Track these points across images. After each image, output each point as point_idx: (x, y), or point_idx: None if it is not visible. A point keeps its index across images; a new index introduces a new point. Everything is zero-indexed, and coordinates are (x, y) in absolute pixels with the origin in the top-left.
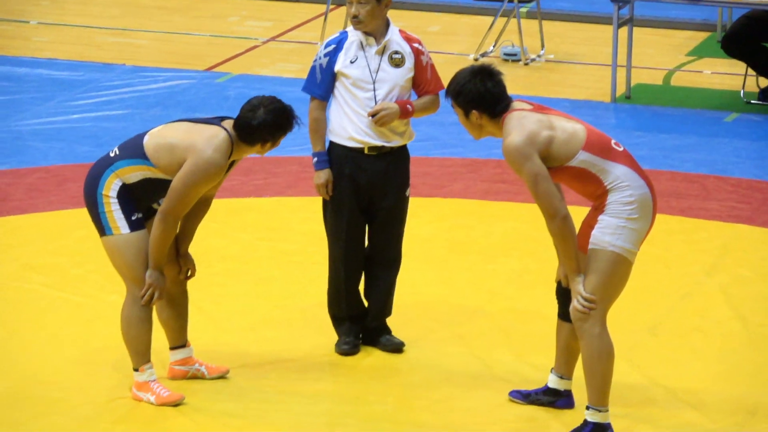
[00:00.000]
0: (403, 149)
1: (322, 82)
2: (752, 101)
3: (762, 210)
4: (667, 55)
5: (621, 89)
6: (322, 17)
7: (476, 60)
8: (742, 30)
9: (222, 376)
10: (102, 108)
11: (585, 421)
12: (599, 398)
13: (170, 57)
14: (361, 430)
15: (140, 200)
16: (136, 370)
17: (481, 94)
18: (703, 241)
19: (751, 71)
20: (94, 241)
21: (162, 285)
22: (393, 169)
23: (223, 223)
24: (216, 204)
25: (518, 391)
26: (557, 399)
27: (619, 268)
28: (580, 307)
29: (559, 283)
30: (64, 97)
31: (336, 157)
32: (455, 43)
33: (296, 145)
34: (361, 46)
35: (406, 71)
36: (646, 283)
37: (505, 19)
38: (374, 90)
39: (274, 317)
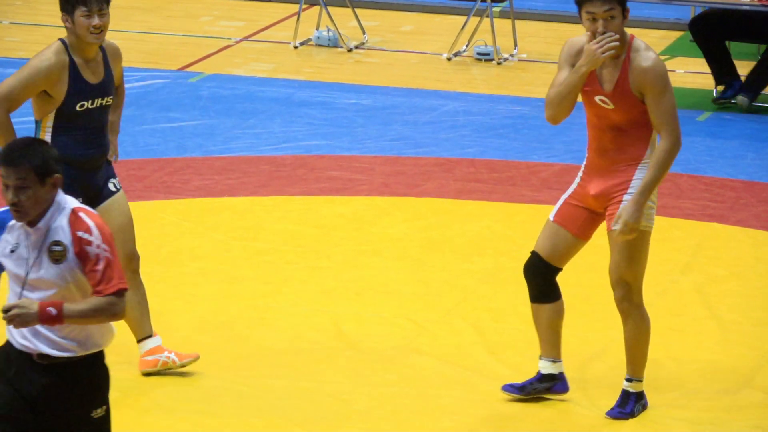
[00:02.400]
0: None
1: None
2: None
3: (735, 208)
4: None
5: None
6: (295, 17)
7: (449, 60)
8: (713, 18)
9: (193, 361)
10: None
11: (626, 392)
12: (640, 370)
13: (143, 57)
14: (336, 428)
15: None
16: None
17: None
18: (677, 239)
19: None
20: None
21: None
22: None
23: (196, 222)
24: (189, 203)
25: (511, 385)
26: (554, 383)
27: (648, 245)
28: (629, 232)
29: (533, 263)
30: None
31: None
32: (428, 43)
33: (269, 145)
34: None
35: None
36: None
37: (478, 18)
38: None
39: (247, 316)
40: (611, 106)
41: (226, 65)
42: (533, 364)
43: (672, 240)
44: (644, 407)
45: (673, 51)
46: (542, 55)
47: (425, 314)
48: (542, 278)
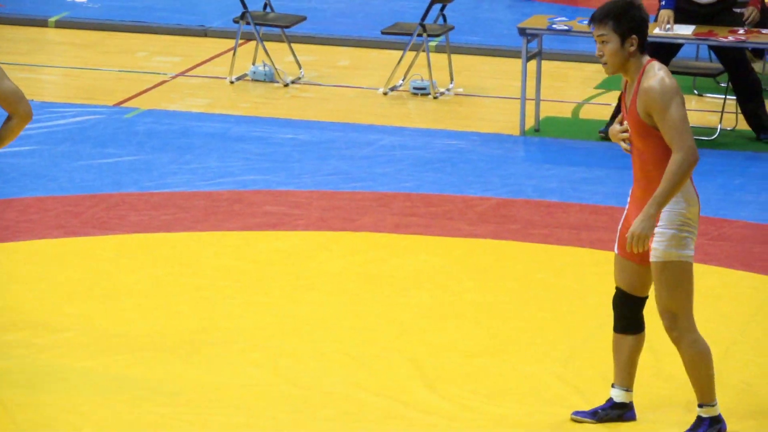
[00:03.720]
0: None
1: None
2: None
3: None
4: (576, 88)
5: (530, 122)
6: (231, 52)
7: (385, 94)
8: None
9: None
10: (10, 144)
11: (700, 417)
12: (708, 395)
13: (79, 92)
14: None
15: None
16: None
17: (643, 20)
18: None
19: None
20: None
21: None
22: None
23: (132, 258)
24: (125, 239)
25: (581, 412)
26: (625, 412)
27: (689, 274)
28: (636, 243)
29: (618, 295)
30: None
31: None
32: (365, 77)
33: (205, 180)
34: None
35: None
36: (560, 315)
37: (415, 52)
38: None
39: (184, 352)
40: (631, 131)
41: (162, 101)
42: (470, 399)
43: (609, 273)
44: (720, 431)
45: (608, 84)
46: (478, 89)
47: (363, 349)
48: (628, 310)
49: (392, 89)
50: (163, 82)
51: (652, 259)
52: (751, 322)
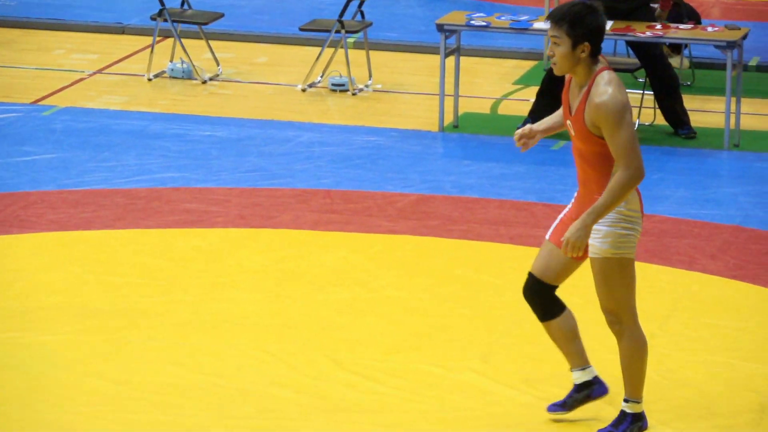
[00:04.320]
0: None
1: None
2: None
3: None
4: (495, 84)
5: (449, 118)
6: (149, 49)
7: (304, 91)
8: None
9: None
10: None
11: (623, 412)
12: (637, 391)
13: None
14: None
15: None
16: None
17: (600, 28)
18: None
19: None
20: None
21: None
22: None
23: (51, 256)
24: (43, 237)
25: (554, 404)
26: (591, 389)
27: (630, 270)
28: (570, 250)
29: (527, 285)
30: None
31: None
32: (283, 74)
33: (123, 178)
34: None
35: None
36: (479, 310)
37: (333, 49)
38: None
39: (103, 351)
40: (573, 132)
41: (79, 98)
42: (391, 395)
43: (528, 269)
44: (641, 429)
45: (527, 80)
46: (397, 85)
47: (282, 346)
48: (540, 297)
49: (311, 86)
50: (81, 79)
51: (590, 255)
52: (670, 316)
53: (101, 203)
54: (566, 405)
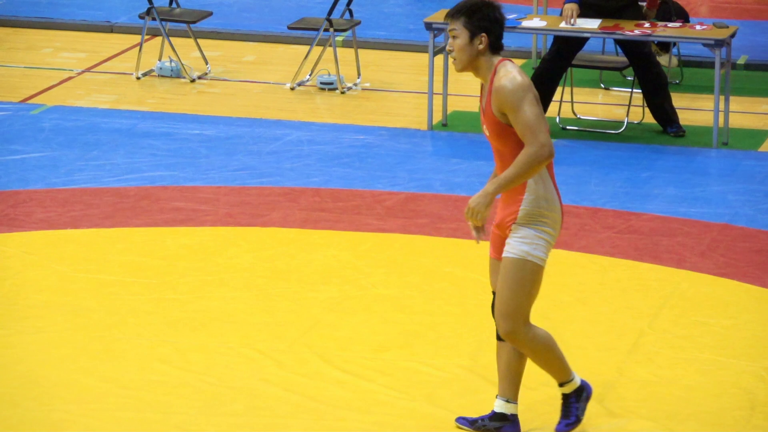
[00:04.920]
0: None
1: None
2: (568, 127)
3: (579, 235)
4: None
5: (437, 117)
6: (137, 48)
7: (292, 89)
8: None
9: None
10: None
11: (565, 395)
12: (564, 373)
13: None
14: None
15: None
16: None
17: (497, 20)
18: None
19: (566, 97)
20: None
21: None
22: None
23: (40, 254)
24: (32, 236)
25: (464, 418)
26: (504, 424)
27: (537, 276)
28: (470, 215)
29: (492, 304)
30: None
31: None
32: (271, 73)
33: (112, 176)
34: None
35: None
36: (468, 308)
37: (321, 47)
38: None
39: (92, 348)
40: (488, 133)
41: (68, 97)
42: (380, 393)
43: None
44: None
45: None
46: (385, 84)
47: (271, 344)
48: None
49: (299, 84)
50: (69, 78)
51: (504, 254)
52: (659, 314)
53: (90, 202)
54: (475, 424)
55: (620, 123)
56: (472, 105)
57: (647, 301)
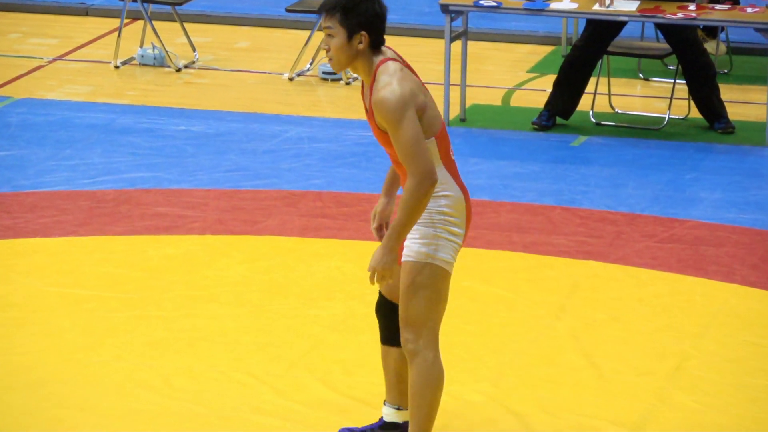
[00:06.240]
0: None
1: None
2: (603, 122)
3: (615, 245)
4: (506, 72)
5: (455, 111)
6: (116, 33)
7: (291, 80)
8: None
9: None
10: None
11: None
12: (423, 429)
13: None
14: None
15: None
16: None
17: (377, 15)
18: (550, 279)
19: (601, 88)
20: None
21: None
22: None
23: (6, 266)
24: None
25: (350, 429)
26: None
27: (442, 283)
28: (379, 280)
29: (379, 302)
30: None
31: None
32: (267, 61)
33: (87, 178)
34: None
35: None
36: (487, 327)
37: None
38: None
39: (65, 372)
40: (375, 136)
41: (37, 88)
42: None
43: (544, 280)
44: None
45: (542, 68)
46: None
47: (267, 368)
48: (390, 319)
49: (299, 74)
50: (39, 67)
51: (402, 258)
52: (705, 334)
53: (62, 207)
54: None
55: (661, 118)
56: (494, 97)
57: (691, 319)
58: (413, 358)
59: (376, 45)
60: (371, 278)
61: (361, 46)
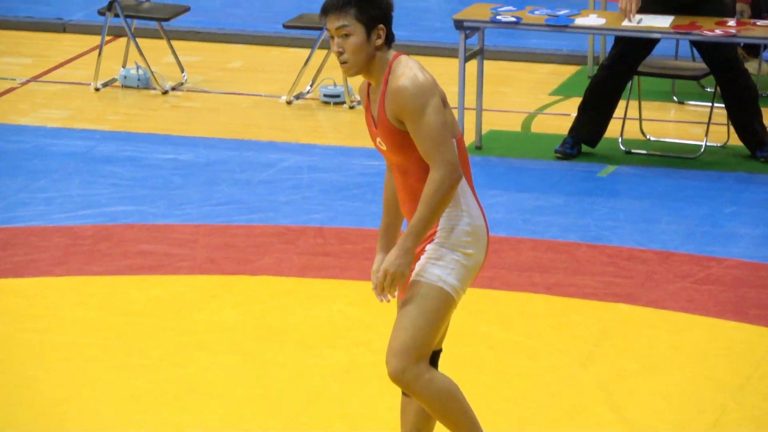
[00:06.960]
0: None
1: None
2: (633, 150)
3: (646, 286)
4: (526, 94)
5: (470, 137)
6: (96, 51)
7: (289, 103)
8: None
9: None
10: None
11: None
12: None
13: None
14: None
15: None
16: None
17: (391, 6)
18: (575, 325)
19: (632, 113)
20: None
21: None
22: None
23: None
24: None
25: None
26: None
27: (447, 309)
28: (378, 284)
29: None
30: None
31: None
32: (263, 82)
33: (64, 212)
34: None
35: None
36: (506, 377)
37: (325, 51)
38: None
39: (39, 429)
40: (385, 147)
41: (9, 112)
42: None
43: (569, 326)
44: None
45: (567, 90)
46: None
47: (263, 423)
48: None
49: (298, 97)
50: (11, 89)
51: (418, 277)
52: (746, 385)
53: (36, 244)
54: None
55: (698, 146)
56: (513, 123)
57: (731, 368)
58: (413, 387)
59: (391, 40)
60: (380, 283)
61: (379, 42)
